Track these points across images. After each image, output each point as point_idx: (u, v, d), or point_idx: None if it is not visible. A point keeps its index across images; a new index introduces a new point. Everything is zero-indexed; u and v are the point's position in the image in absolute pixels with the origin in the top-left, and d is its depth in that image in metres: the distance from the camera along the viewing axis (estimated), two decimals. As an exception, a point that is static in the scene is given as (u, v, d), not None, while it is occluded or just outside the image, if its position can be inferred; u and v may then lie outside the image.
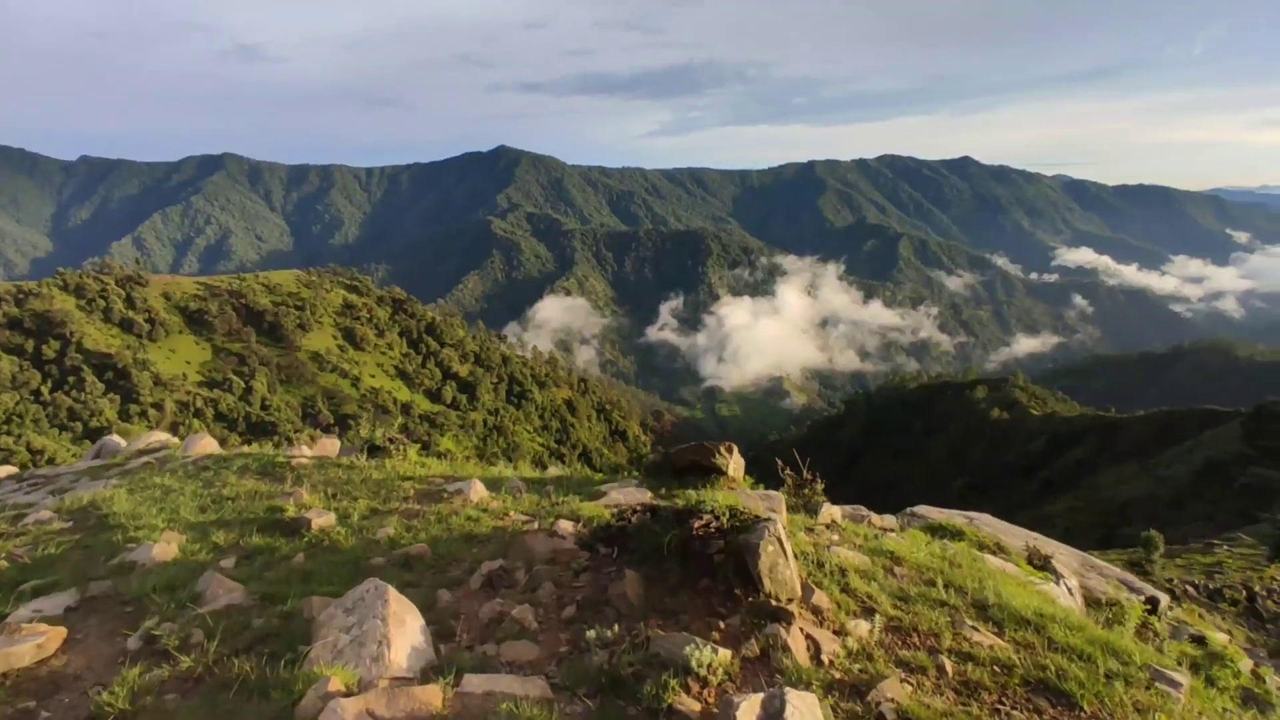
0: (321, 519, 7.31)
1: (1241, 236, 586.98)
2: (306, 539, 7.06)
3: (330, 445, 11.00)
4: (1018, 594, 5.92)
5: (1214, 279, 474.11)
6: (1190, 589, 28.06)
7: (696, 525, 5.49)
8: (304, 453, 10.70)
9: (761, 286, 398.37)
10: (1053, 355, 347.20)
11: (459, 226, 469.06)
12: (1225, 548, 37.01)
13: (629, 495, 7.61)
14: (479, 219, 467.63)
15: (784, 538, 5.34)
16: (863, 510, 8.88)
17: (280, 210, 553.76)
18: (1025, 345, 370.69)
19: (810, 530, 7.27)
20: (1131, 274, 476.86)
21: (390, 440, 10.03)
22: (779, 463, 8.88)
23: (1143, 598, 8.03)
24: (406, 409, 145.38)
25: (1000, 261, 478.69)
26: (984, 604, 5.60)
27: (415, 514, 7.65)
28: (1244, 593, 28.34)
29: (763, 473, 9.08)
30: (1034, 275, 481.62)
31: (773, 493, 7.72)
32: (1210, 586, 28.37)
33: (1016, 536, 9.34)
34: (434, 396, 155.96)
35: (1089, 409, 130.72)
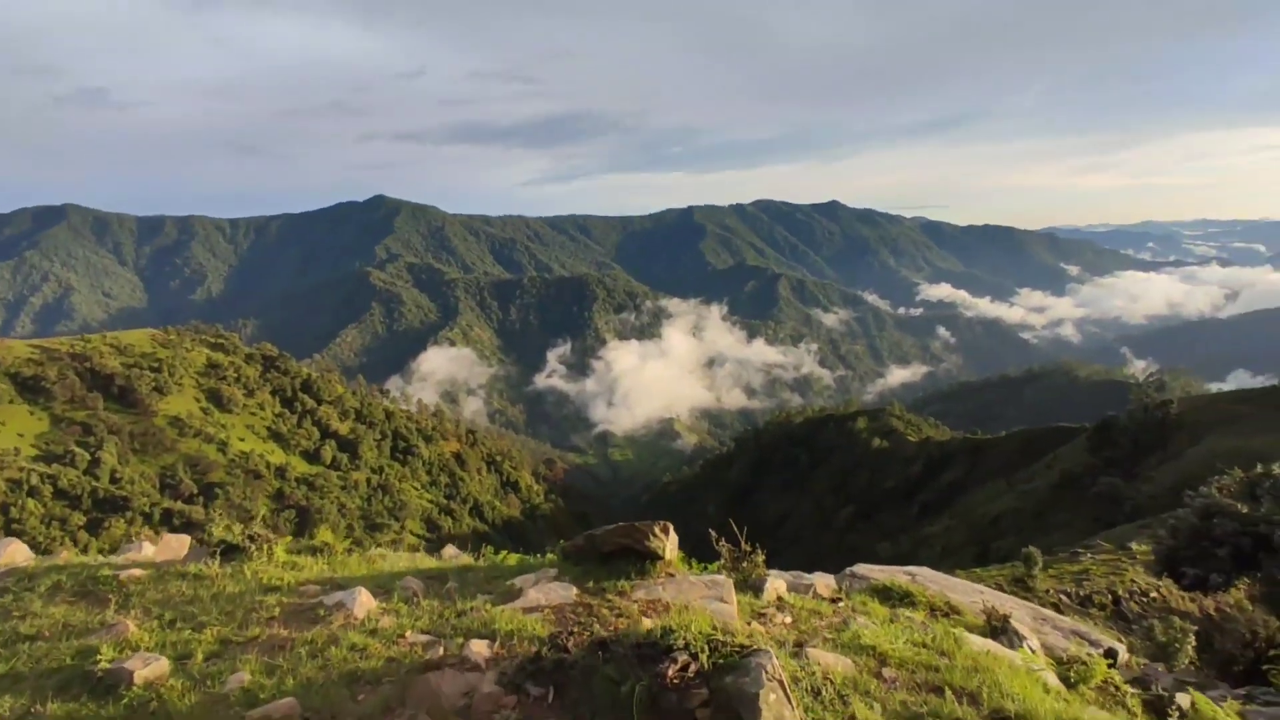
0: (149, 668, 5.27)
1: (1074, 269, 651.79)
2: (126, 700, 5.05)
3: (177, 545, 8.89)
4: (1031, 692, 5.18)
5: (1054, 308, 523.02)
6: (1064, 598, 29.17)
7: (670, 672, 4.25)
8: (142, 557, 8.62)
9: (648, 330, 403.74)
10: (923, 384, 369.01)
11: (335, 278, 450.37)
12: (1089, 555, 39.09)
13: (550, 593, 6.32)
14: (356, 270, 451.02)
15: (783, 677, 4.08)
16: (803, 578, 8.09)
17: (132, 265, 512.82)
18: (898, 375, 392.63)
19: (762, 616, 6.36)
20: (985, 306, 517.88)
21: (251, 537, 8.15)
22: (713, 534, 7.96)
23: (1101, 650, 7.66)
24: (281, 472, 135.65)
25: (871, 298, 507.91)
26: (1004, 715, 4.81)
27: (281, 645, 5.73)
28: (1110, 597, 29.75)
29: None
30: (901, 310, 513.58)
31: (718, 577, 6.74)
32: (1080, 594, 29.57)
33: (963, 592, 8.86)
34: (312, 457, 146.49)
35: (958, 432, 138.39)
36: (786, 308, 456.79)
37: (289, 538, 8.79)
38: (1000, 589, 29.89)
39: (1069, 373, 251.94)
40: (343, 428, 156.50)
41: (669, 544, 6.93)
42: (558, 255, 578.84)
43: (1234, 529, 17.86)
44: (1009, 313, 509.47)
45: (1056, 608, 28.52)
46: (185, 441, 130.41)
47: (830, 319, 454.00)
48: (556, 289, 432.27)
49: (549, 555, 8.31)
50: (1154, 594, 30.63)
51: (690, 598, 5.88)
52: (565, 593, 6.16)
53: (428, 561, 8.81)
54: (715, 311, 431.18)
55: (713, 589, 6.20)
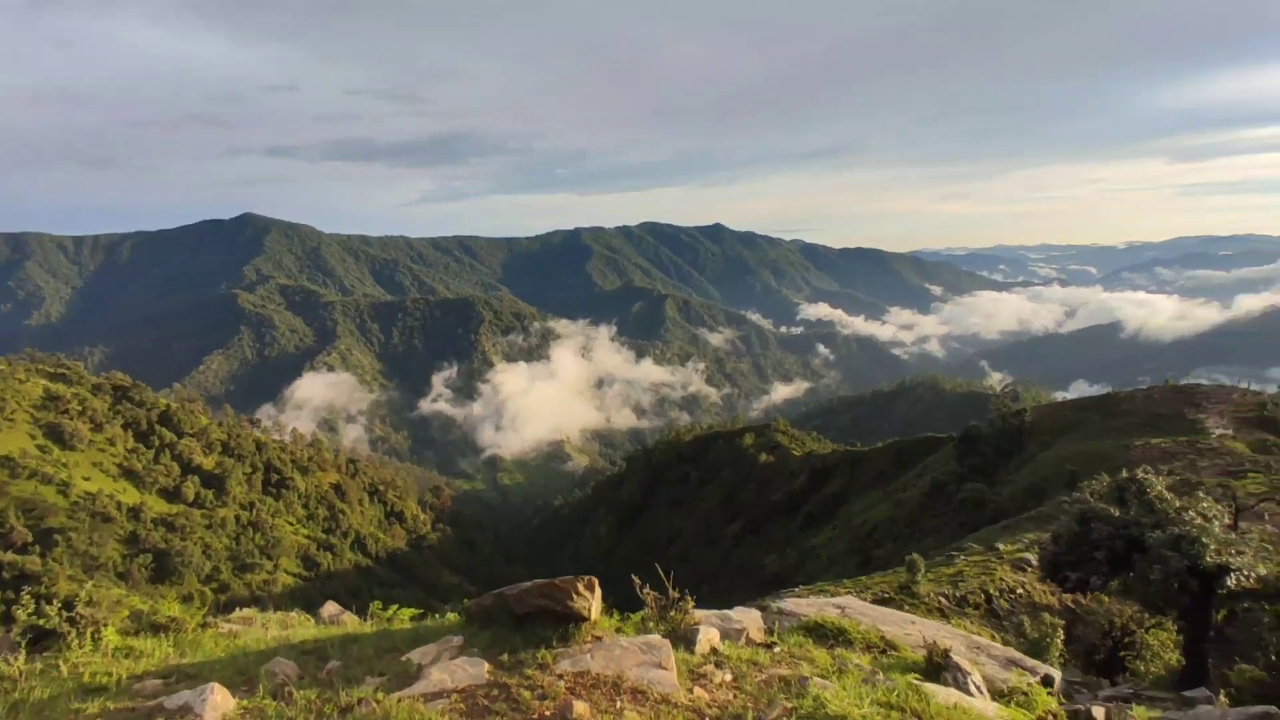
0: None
1: (937, 289, 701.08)
2: None
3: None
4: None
5: (921, 325, 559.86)
6: (943, 600, 30.39)
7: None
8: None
9: (536, 351, 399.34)
10: (804, 399, 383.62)
11: (198, 301, 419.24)
12: (962, 557, 40.97)
13: (457, 672, 5.23)
14: (223, 293, 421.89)
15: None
16: (731, 619, 7.44)
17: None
18: (781, 391, 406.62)
19: (701, 678, 5.62)
20: (860, 324, 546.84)
21: (72, 620, 6.32)
22: (637, 581, 7.18)
23: (1038, 677, 7.46)
24: (135, 513, 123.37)
25: (754, 317, 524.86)
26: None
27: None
28: (983, 596, 31.20)
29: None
30: (783, 329, 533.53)
31: (653, 638, 5.92)
32: (956, 595, 30.91)
33: (895, 623, 8.51)
34: (171, 496, 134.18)
35: (839, 445, 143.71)
36: (673, 328, 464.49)
37: (125, 612, 7.08)
38: (889, 598, 30.72)
39: (936, 386, 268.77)
40: (207, 462, 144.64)
41: (594, 602, 6.04)
42: (442, 277, 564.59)
43: (1109, 532, 18.84)
44: (881, 330, 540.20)
45: (941, 611, 29.67)
46: (17, 484, 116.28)
47: (716, 338, 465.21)
48: (441, 311, 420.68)
49: (450, 616, 7.18)
50: (1020, 590, 32.46)
51: (624, 666, 5.08)
52: (475, 670, 5.12)
53: (303, 631, 7.33)
54: (604, 332, 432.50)
55: (648, 653, 5.41)
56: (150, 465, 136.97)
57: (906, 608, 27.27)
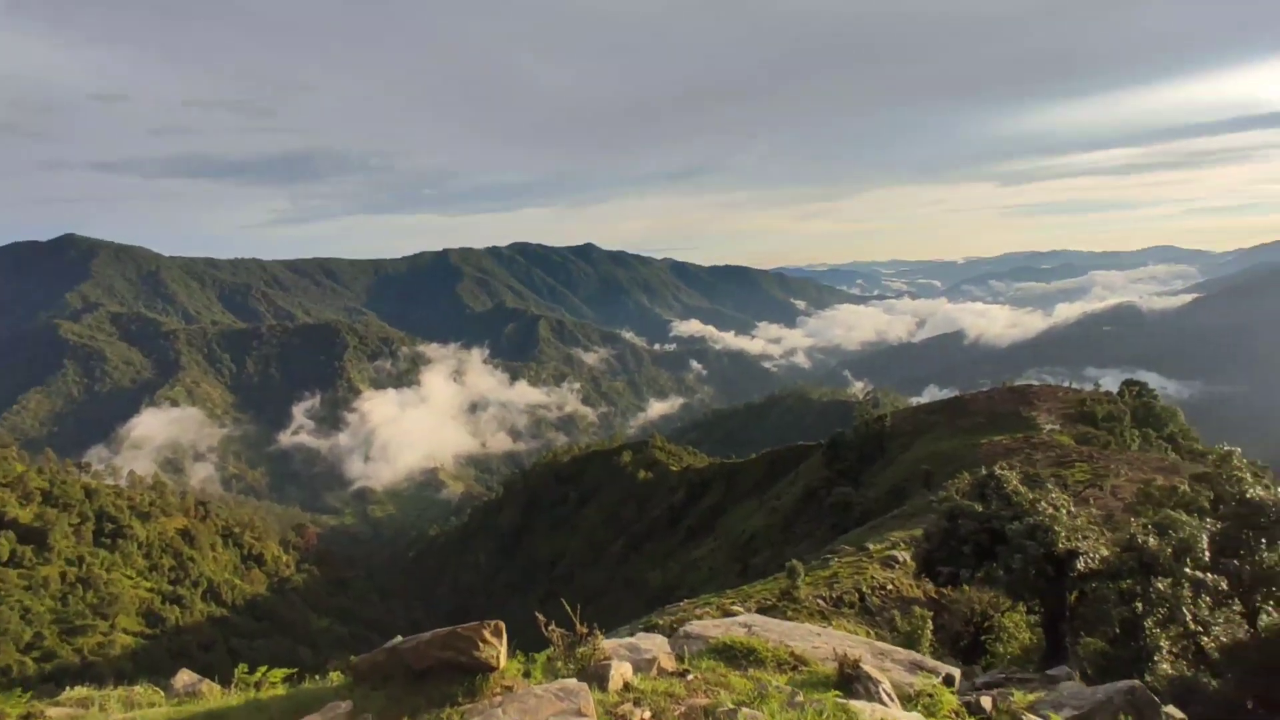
0: None
1: (800, 304, 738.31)
2: None
3: None
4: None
5: (787, 339, 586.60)
6: (821, 601, 31.64)
7: None
8: None
9: (406, 377, 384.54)
10: (679, 415, 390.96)
11: (11, 333, 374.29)
12: (835, 559, 42.77)
13: None
14: (41, 322, 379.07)
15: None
16: (640, 648, 7.09)
17: None
18: (657, 408, 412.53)
19: (619, 719, 5.25)
20: (730, 339, 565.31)
21: None
22: (540, 619, 6.71)
23: (940, 678, 7.63)
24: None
25: (628, 336, 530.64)
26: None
27: None
28: (857, 594, 32.80)
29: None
30: (657, 346, 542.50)
31: (569, 683, 5.45)
32: (833, 596, 32.31)
33: (801, 637, 8.47)
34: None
35: (715, 458, 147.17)
36: (547, 348, 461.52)
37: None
38: (773, 605, 31.47)
39: (804, 396, 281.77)
40: (24, 514, 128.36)
41: (502, 649, 5.51)
42: (301, 301, 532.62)
43: (974, 527, 20.18)
44: (751, 344, 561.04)
45: (822, 614, 30.77)
46: None
47: (591, 358, 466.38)
48: (301, 338, 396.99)
49: (333, 676, 6.37)
50: (889, 587, 34.24)
51: (540, 718, 4.65)
52: (369, 742, 4.51)
53: (154, 713, 6.14)
54: (476, 355, 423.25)
55: (565, 699, 4.97)
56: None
57: (790, 613, 28.01)
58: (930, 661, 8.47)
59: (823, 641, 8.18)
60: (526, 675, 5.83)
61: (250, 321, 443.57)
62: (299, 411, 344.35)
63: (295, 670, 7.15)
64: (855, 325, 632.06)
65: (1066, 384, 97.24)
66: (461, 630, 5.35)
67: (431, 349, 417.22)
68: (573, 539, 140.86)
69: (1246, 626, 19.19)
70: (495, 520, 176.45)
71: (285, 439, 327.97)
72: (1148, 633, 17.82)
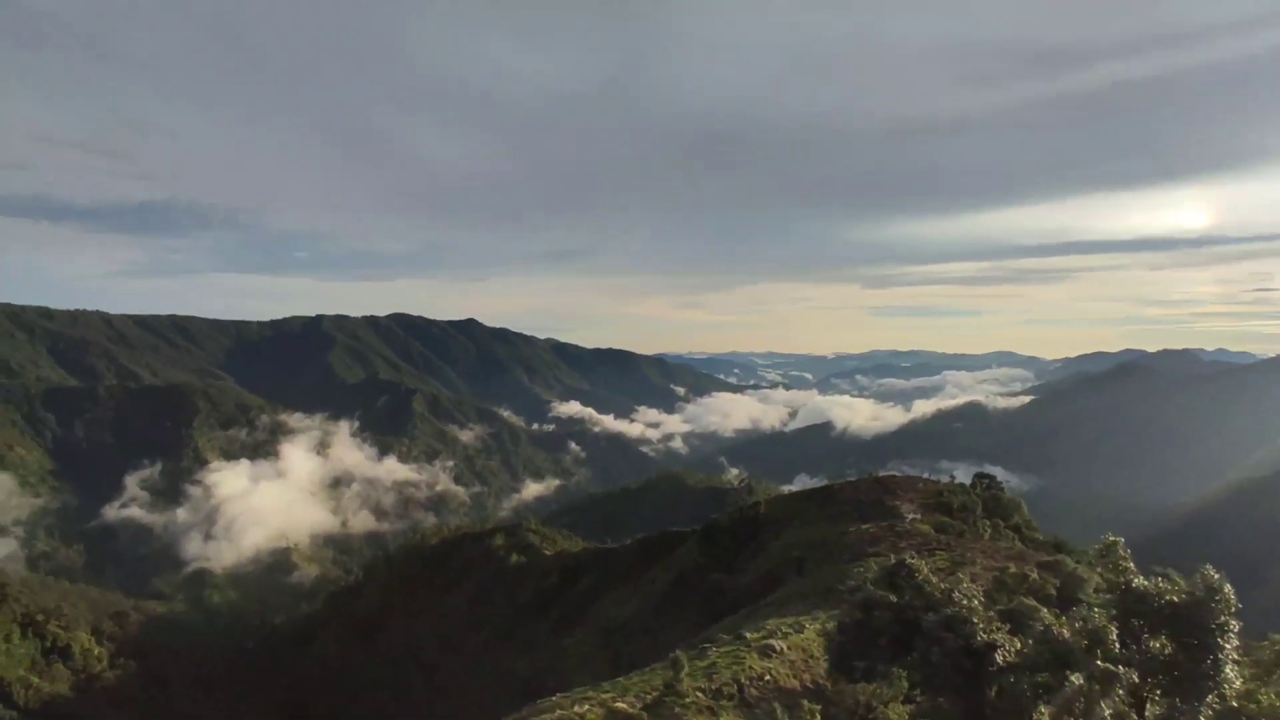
0: None
1: (680, 390, 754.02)
2: None
3: None
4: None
5: (666, 424, 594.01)
6: (700, 694, 29.97)
7: None
8: None
9: (263, 448, 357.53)
10: (556, 497, 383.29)
11: None
12: (713, 648, 41.32)
13: None
14: None
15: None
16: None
17: None
18: (533, 489, 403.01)
19: None
20: (610, 422, 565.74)
21: None
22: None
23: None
24: None
25: (506, 414, 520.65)
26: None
27: None
28: (735, 685, 31.43)
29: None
30: (535, 425, 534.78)
31: None
32: (712, 688, 30.74)
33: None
34: None
35: (590, 542, 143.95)
36: (421, 424, 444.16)
37: None
38: (658, 701, 29.43)
39: (680, 481, 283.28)
40: None
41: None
42: (149, 361, 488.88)
43: (889, 619, 19.40)
44: (630, 428, 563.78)
45: (711, 710, 29.05)
46: None
47: (466, 435, 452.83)
48: (145, 400, 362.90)
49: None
50: (767, 677, 33.13)
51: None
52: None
53: None
54: (344, 428, 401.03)
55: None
56: None
57: (677, 709, 26.34)
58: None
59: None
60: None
61: (86, 380, 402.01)
62: (132, 482, 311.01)
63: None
64: (731, 413, 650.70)
65: (925, 475, 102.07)
66: None
67: (295, 419, 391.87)
68: (438, 627, 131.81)
69: (1134, 716, 19.08)
70: (353, 606, 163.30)
71: (111, 513, 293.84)
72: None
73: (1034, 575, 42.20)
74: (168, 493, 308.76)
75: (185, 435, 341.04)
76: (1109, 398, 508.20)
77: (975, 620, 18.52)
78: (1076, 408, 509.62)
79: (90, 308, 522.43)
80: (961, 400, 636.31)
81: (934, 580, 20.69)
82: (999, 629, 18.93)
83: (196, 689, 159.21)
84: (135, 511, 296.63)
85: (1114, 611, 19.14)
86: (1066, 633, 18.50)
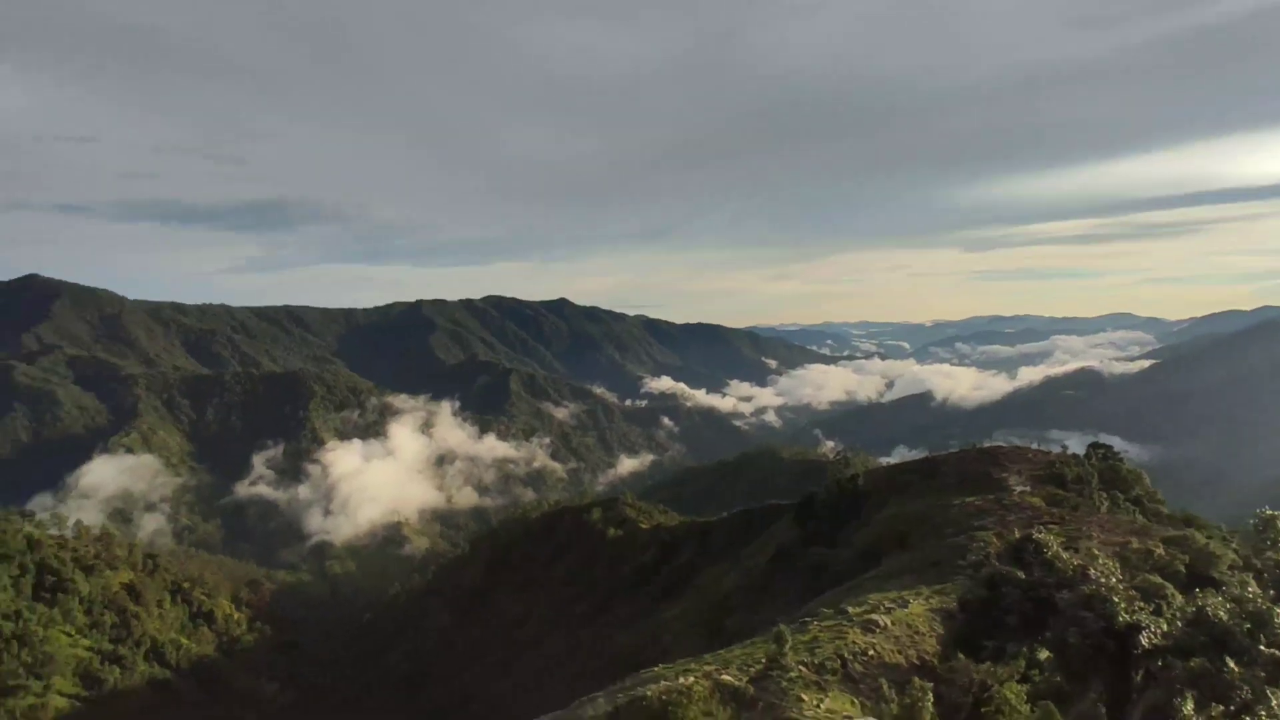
0: None
1: (772, 363, 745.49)
2: None
3: None
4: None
5: (758, 398, 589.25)
6: (803, 668, 30.08)
7: None
8: None
9: (373, 428, 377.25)
10: (650, 472, 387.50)
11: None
12: (815, 623, 41.28)
13: None
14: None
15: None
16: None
17: None
18: (627, 465, 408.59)
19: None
20: (702, 397, 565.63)
21: None
22: None
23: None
24: None
25: (599, 391, 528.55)
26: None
27: None
28: (839, 661, 31.33)
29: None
30: (628, 402, 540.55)
31: None
32: (814, 662, 30.71)
33: None
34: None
35: (686, 517, 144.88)
36: (518, 402, 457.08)
37: None
38: (764, 675, 29.80)
39: (775, 455, 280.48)
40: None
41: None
42: (268, 349, 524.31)
43: (1018, 596, 18.61)
44: (722, 402, 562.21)
45: (818, 685, 29.20)
46: None
47: (561, 413, 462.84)
48: (266, 386, 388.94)
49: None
50: (870, 652, 32.82)
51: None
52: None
53: None
54: (446, 408, 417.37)
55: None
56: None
57: (784, 683, 26.67)
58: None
59: None
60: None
61: (215, 368, 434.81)
62: (259, 461, 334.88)
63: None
64: (825, 385, 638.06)
65: (1033, 446, 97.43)
66: None
67: (400, 400, 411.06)
68: (540, 598, 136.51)
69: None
70: (461, 577, 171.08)
71: (242, 490, 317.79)
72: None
73: (1159, 551, 39.94)
74: (290, 471, 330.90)
75: (303, 417, 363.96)
76: (1244, 361, 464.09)
77: (1115, 599, 17.21)
78: (1206, 372, 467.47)
79: (215, 301, 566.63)
80: (1072, 366, 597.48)
81: (1065, 555, 19.39)
82: (1142, 608, 17.52)
83: (323, 654, 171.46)
84: (263, 489, 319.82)
85: (1272, 592, 17.49)
86: (1223, 614, 16.86)
